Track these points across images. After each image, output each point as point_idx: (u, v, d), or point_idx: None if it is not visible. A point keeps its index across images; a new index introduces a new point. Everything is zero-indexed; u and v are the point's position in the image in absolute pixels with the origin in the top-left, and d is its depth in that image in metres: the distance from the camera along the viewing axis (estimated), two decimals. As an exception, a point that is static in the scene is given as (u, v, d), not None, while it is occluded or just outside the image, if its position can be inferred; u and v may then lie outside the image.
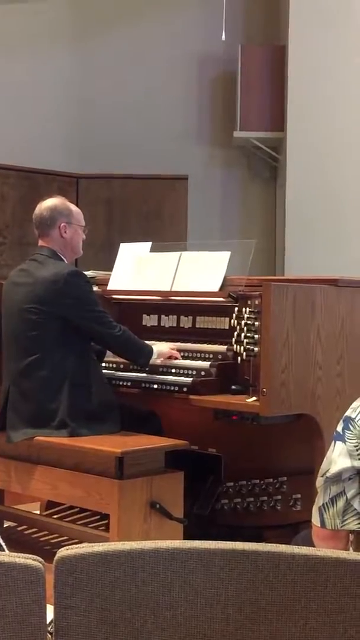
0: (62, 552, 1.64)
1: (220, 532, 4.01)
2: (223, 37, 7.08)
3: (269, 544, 1.65)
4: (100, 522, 4.22)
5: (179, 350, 4.15)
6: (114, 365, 4.27)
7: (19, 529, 4.32)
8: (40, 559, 1.63)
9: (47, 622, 1.67)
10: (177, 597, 1.60)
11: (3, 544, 1.92)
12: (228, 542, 1.64)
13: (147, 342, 4.07)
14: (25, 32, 8.30)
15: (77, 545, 1.66)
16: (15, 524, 4.33)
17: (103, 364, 4.26)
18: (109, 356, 4.20)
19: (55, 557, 1.64)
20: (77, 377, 3.83)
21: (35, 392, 3.81)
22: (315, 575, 1.59)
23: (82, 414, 3.80)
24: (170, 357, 4.09)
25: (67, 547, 1.66)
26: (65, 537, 4.15)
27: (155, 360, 4.02)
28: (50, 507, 4.52)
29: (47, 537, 4.24)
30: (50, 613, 1.66)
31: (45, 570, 1.65)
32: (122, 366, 4.24)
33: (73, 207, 4.12)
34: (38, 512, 4.53)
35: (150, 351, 3.99)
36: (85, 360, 3.91)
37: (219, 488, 4.08)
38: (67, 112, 8.45)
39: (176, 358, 4.09)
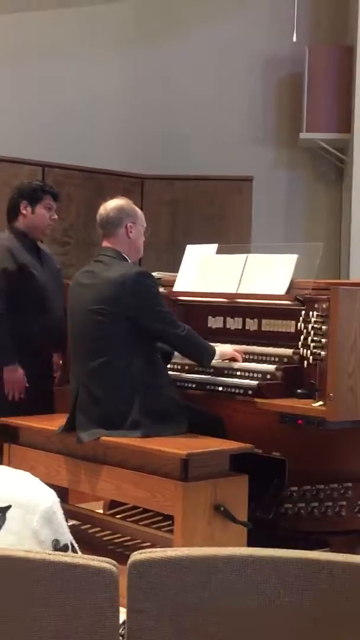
0: (136, 556, 1.64)
1: (284, 537, 3.98)
2: (294, 38, 7.04)
3: (343, 555, 1.63)
4: (163, 524, 4.24)
5: (245, 353, 4.14)
6: (179, 367, 4.27)
7: (83, 527, 4.34)
8: (114, 562, 1.63)
9: (119, 624, 1.67)
10: (250, 605, 1.59)
11: (76, 545, 1.93)
12: (303, 551, 1.62)
13: (211, 343, 4.07)
14: (93, 36, 8.36)
15: (149, 550, 1.66)
16: (79, 523, 4.35)
17: (168, 366, 4.27)
18: (175, 358, 4.21)
19: (129, 561, 1.64)
20: (147, 379, 3.85)
21: (105, 395, 3.83)
22: (392, 587, 1.57)
23: (152, 415, 3.82)
24: (232, 359, 4.08)
25: (140, 551, 1.66)
26: (128, 538, 4.17)
27: (218, 360, 4.03)
28: (113, 507, 4.54)
29: (110, 537, 4.25)
30: (122, 615, 1.66)
31: (118, 573, 1.65)
32: (187, 367, 4.24)
33: (137, 208, 4.14)
34: (101, 511, 4.56)
35: (213, 351, 4.00)
36: (153, 361, 3.93)
37: (282, 492, 4.05)
38: (133, 113, 8.49)
39: (237, 360, 4.08)
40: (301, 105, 8.21)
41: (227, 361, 4.09)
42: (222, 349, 4.07)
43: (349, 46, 8.08)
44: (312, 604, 1.57)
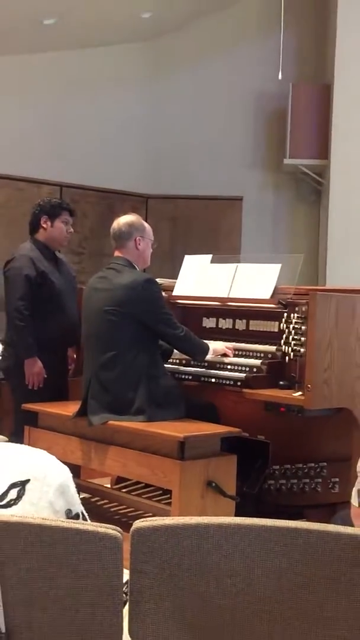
0: (138, 524, 1.64)
1: (266, 509, 3.99)
2: (280, 76, 7.05)
3: (318, 524, 1.63)
4: (162, 497, 4.25)
5: (234, 349, 4.14)
6: (178, 361, 4.28)
7: (93, 500, 4.35)
8: (119, 529, 1.64)
9: (123, 583, 1.68)
10: (237, 567, 1.59)
11: (86, 515, 1.93)
12: (282, 521, 1.62)
13: (205, 340, 4.07)
14: (109, 73, 8.36)
15: (150, 518, 1.66)
16: (89, 496, 4.35)
17: (169, 360, 4.27)
18: (174, 354, 4.21)
19: (132, 529, 1.64)
20: (149, 370, 3.86)
21: (114, 384, 3.83)
22: (359, 552, 1.57)
23: (154, 402, 3.82)
24: (224, 355, 4.09)
25: (141, 520, 1.66)
26: (132, 509, 4.17)
27: (211, 356, 4.03)
28: (119, 482, 4.54)
29: (116, 508, 4.26)
30: (125, 576, 1.67)
31: (122, 538, 1.65)
32: (184, 362, 4.24)
33: (146, 224, 4.14)
34: (109, 485, 4.56)
35: (207, 348, 4.01)
36: (155, 356, 3.94)
37: (266, 470, 4.05)
38: (140, 141, 8.49)
39: (228, 355, 4.08)
40: (285, 134, 8.22)
41: (219, 356, 4.09)
42: (215, 346, 4.07)
43: (327, 84, 8.08)
44: (290, 566, 1.57)
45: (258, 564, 1.58)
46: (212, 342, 4.13)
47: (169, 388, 3.92)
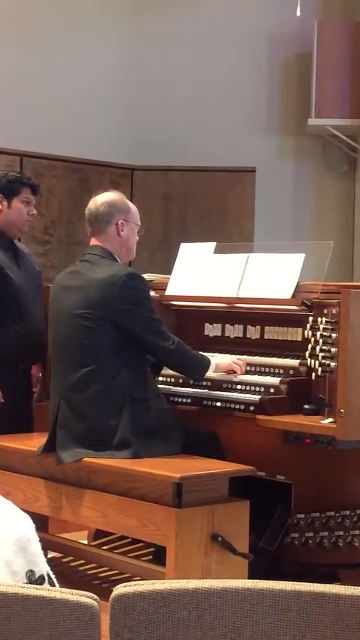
0: (119, 589, 1.65)
1: (290, 571, 3.99)
2: (298, 12, 7.06)
3: (351, 587, 1.63)
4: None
5: (245, 365, 4.14)
6: (172, 380, 4.28)
7: (64, 560, 4.35)
8: (96, 597, 1.64)
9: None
10: (248, 644, 1.60)
11: (54, 578, 1.93)
12: (305, 584, 1.63)
13: (208, 354, 4.08)
14: (76, 10, 8.37)
15: (135, 582, 1.66)
16: (60, 555, 4.35)
17: (160, 378, 4.28)
18: (167, 369, 4.21)
19: (112, 595, 1.64)
20: (135, 392, 3.86)
21: (90, 407, 3.83)
22: None
23: (143, 432, 3.82)
24: (230, 372, 4.09)
25: (124, 584, 1.67)
26: (115, 571, 4.17)
27: (213, 374, 4.04)
28: (98, 537, 4.55)
29: (95, 570, 4.26)
30: (104, 657, 1.67)
31: (100, 609, 1.65)
32: (181, 381, 4.25)
33: (130, 204, 4.16)
34: (85, 541, 4.56)
35: (207, 364, 4.01)
36: (142, 373, 3.95)
37: (288, 520, 4.06)
38: (122, 96, 8.50)
39: (237, 373, 4.08)
40: (309, 88, 8.24)
41: (224, 374, 4.09)
42: (219, 361, 4.07)
43: (363, 21, 8.12)
44: (316, 642, 1.58)
45: (275, 639, 1.58)
46: (215, 355, 4.13)
47: (161, 414, 3.92)
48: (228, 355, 4.21)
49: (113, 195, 4.14)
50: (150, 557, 4.26)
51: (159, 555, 4.06)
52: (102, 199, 4.10)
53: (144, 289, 3.93)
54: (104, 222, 4.05)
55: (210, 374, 4.05)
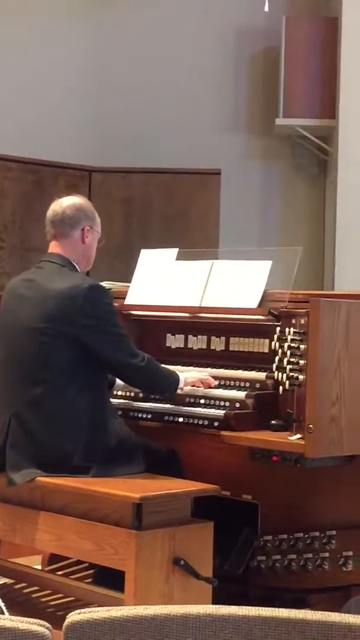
0: (73, 616, 1.64)
1: (257, 596, 3.99)
2: (266, 7, 7.11)
3: (318, 612, 1.64)
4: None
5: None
6: (131, 395, 4.27)
7: (17, 587, 4.33)
8: (48, 625, 1.63)
9: None
10: (209, 673, 1.60)
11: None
12: (269, 609, 1.63)
13: (171, 367, 4.07)
14: (32, 5, 8.36)
15: (89, 609, 1.66)
16: (12, 581, 4.33)
17: (118, 392, 4.27)
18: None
19: (65, 623, 1.64)
20: (94, 414, 3.83)
21: (44, 430, 3.80)
22: (375, 650, 1.59)
23: (102, 456, 3.80)
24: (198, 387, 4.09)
25: (78, 611, 1.67)
26: (71, 598, 4.15)
27: (181, 390, 4.04)
28: (53, 562, 4.53)
29: (50, 597, 4.23)
30: None
31: (52, 637, 1.65)
32: (141, 395, 4.24)
33: (95, 212, 4.15)
34: (39, 567, 4.54)
35: (176, 381, 3.99)
36: (102, 394, 3.92)
37: (254, 542, 4.06)
38: (79, 94, 8.51)
39: (205, 387, 4.08)
40: (277, 86, 8.29)
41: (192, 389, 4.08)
42: (187, 377, 4.05)
43: (333, 17, 8.18)
44: (281, 671, 1.58)
45: (238, 669, 1.59)
46: (181, 368, 4.13)
47: (121, 435, 3.90)
48: (194, 368, 4.21)
49: (80, 199, 4.13)
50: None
51: (100, 578, 4.07)
52: (69, 201, 4.08)
53: (107, 302, 3.90)
54: (69, 226, 4.03)
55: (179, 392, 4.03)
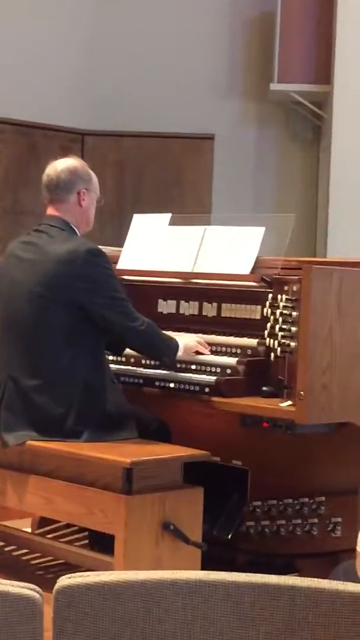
0: (63, 581, 1.65)
1: (246, 561, 4.02)
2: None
3: (307, 579, 1.65)
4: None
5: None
6: (123, 359, 4.27)
7: (7, 549, 4.34)
8: (38, 589, 1.64)
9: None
10: (199, 637, 1.61)
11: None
12: (259, 575, 1.64)
13: (170, 334, 4.07)
14: None
15: (80, 574, 1.67)
16: (2, 544, 4.35)
17: (110, 357, 4.27)
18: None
19: (55, 587, 1.64)
20: (90, 379, 3.83)
21: (39, 394, 3.80)
22: (363, 616, 1.60)
23: (95, 421, 3.80)
24: (197, 353, 4.08)
25: (68, 575, 1.67)
26: (61, 561, 4.17)
27: (180, 356, 4.03)
28: (43, 525, 4.54)
29: (39, 560, 4.26)
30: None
31: (42, 601, 1.66)
32: (132, 360, 4.24)
33: (92, 172, 4.12)
34: (29, 529, 4.56)
35: (175, 346, 3.98)
36: (99, 359, 3.91)
37: (244, 508, 4.08)
38: (72, 56, 8.44)
39: (203, 353, 4.07)
40: (272, 50, 8.23)
41: (192, 355, 4.07)
42: (186, 342, 4.04)
43: (330, -19, 8.12)
44: (269, 636, 1.59)
45: (227, 634, 1.59)
46: (179, 335, 4.12)
47: (116, 401, 3.90)
48: (189, 334, 4.19)
49: (75, 161, 4.09)
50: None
51: (95, 541, 4.09)
52: (63, 165, 4.05)
53: (106, 266, 3.88)
54: (65, 191, 4.01)
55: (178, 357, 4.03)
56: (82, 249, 3.83)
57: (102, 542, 3.91)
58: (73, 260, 3.80)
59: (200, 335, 4.19)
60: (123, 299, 3.89)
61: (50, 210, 4.04)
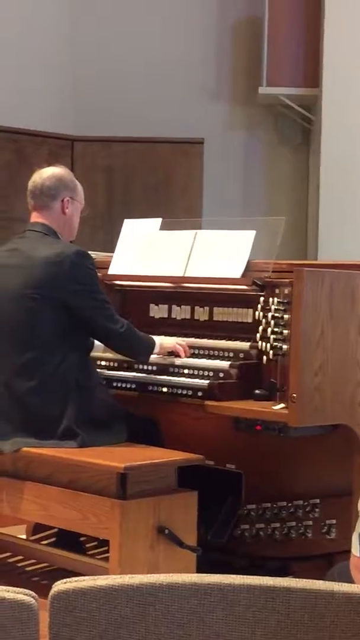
0: (59, 585, 1.65)
1: (241, 564, 4.02)
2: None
3: (303, 580, 1.66)
4: (98, 550, 4.25)
5: (193, 347, 4.15)
6: (115, 364, 4.28)
7: (2, 556, 4.34)
8: (34, 594, 1.64)
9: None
10: (195, 641, 1.61)
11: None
12: (254, 577, 1.65)
13: (151, 336, 4.09)
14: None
15: (75, 578, 1.67)
16: (-4, 551, 4.35)
17: (102, 362, 4.28)
18: (107, 351, 4.20)
19: (51, 592, 1.64)
20: (80, 379, 3.86)
21: (33, 396, 3.82)
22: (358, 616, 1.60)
23: (89, 422, 3.83)
24: (172, 353, 4.11)
25: (64, 580, 1.67)
26: (56, 567, 4.17)
27: (158, 358, 4.06)
28: (37, 531, 4.54)
29: (34, 567, 4.26)
30: (43, 657, 1.67)
31: (38, 606, 1.66)
32: (125, 365, 4.25)
33: (77, 182, 4.15)
34: (24, 536, 4.56)
35: (152, 345, 4.04)
36: (85, 358, 3.95)
37: (238, 511, 4.09)
38: (62, 62, 8.44)
39: (179, 355, 4.09)
40: (260, 54, 8.24)
41: (168, 356, 4.10)
42: (163, 341, 4.09)
43: (317, -16, 8.13)
44: (265, 638, 1.59)
45: (223, 636, 1.60)
46: (162, 337, 4.14)
47: (106, 402, 3.93)
48: (174, 338, 4.21)
49: (60, 170, 4.12)
50: (94, 550, 4.29)
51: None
52: (49, 172, 4.08)
53: (92, 268, 3.93)
54: (49, 198, 4.04)
55: (154, 357, 4.06)
56: (70, 251, 3.87)
57: (71, 541, 3.97)
58: (61, 261, 3.83)
59: (191, 339, 4.20)
60: (106, 301, 3.95)
61: (34, 217, 4.07)
